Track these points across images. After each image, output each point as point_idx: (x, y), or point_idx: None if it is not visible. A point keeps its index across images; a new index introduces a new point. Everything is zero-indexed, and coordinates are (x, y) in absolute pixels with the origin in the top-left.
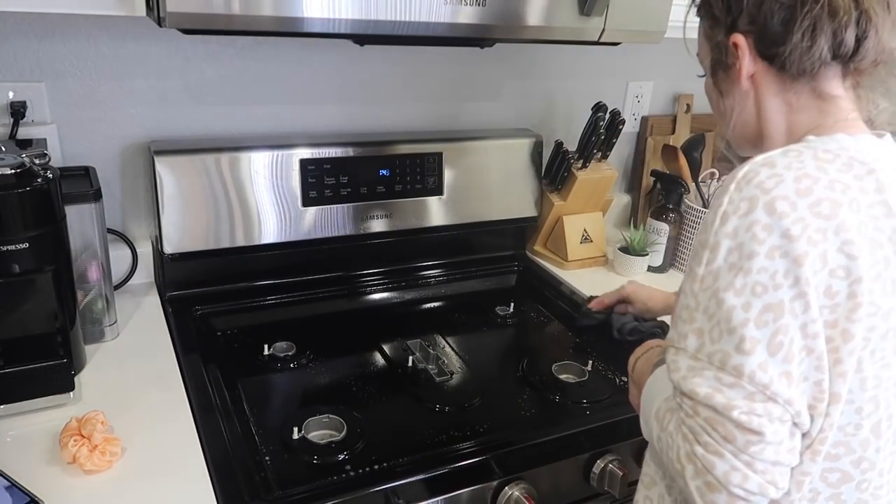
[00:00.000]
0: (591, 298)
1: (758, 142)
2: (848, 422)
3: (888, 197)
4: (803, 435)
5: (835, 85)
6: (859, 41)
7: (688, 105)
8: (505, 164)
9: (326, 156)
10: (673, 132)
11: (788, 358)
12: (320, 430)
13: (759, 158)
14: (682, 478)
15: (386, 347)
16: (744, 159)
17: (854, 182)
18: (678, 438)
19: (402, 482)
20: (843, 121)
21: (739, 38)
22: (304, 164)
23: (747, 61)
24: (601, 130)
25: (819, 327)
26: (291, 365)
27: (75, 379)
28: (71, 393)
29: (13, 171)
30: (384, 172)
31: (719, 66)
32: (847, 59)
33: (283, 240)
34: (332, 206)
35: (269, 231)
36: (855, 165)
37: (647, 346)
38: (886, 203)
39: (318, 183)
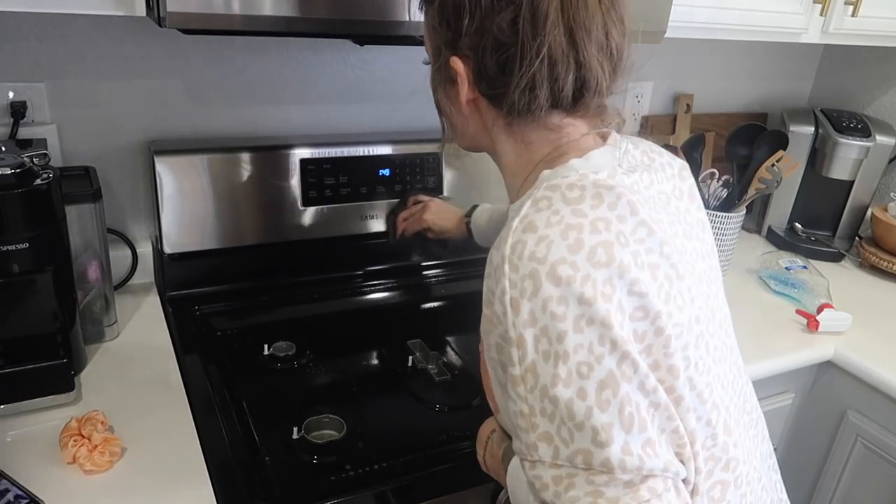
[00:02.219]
0: (397, 211)
1: (491, 154)
2: (706, 436)
3: (643, 216)
4: (685, 481)
5: (560, 119)
6: (578, 94)
7: (688, 105)
8: None
9: (326, 156)
10: (673, 132)
11: (643, 425)
12: (320, 430)
13: (516, 224)
14: None
15: (386, 347)
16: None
17: (609, 211)
18: None
19: (402, 482)
20: (574, 141)
21: (458, 64)
22: (304, 164)
23: (466, 89)
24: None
25: (654, 380)
26: (291, 365)
27: (75, 379)
28: (71, 393)
29: (13, 171)
30: (384, 172)
31: (440, 76)
32: (568, 108)
33: (283, 240)
34: (332, 206)
35: (269, 231)
36: (604, 195)
37: (486, 432)
38: (645, 223)
39: (318, 183)
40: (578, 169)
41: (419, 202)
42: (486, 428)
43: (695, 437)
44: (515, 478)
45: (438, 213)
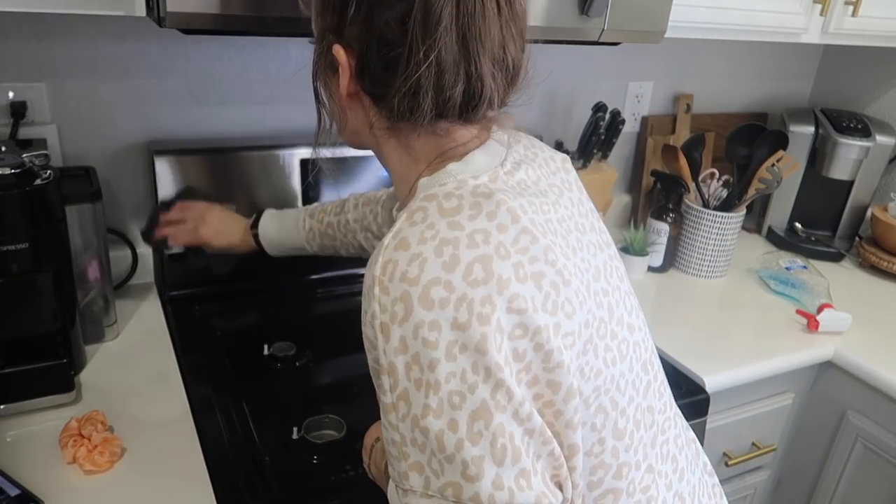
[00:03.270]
0: (162, 209)
1: (377, 154)
2: (592, 443)
3: (525, 223)
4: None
5: (451, 125)
6: (466, 106)
7: (688, 105)
8: None
9: (326, 156)
10: (673, 132)
11: (516, 457)
12: (320, 430)
13: (388, 241)
14: None
15: None
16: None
17: (490, 224)
18: None
19: None
20: (458, 147)
21: (341, 54)
22: (304, 164)
23: (347, 81)
24: (601, 130)
25: (529, 406)
26: (291, 365)
27: (75, 379)
28: (71, 393)
29: (13, 171)
30: (384, 172)
31: (322, 63)
32: (454, 118)
33: None
34: None
35: None
36: (482, 203)
37: (371, 440)
38: (527, 230)
39: (318, 183)
40: (457, 175)
41: (189, 208)
42: (371, 435)
43: (575, 451)
44: (394, 496)
45: (219, 227)
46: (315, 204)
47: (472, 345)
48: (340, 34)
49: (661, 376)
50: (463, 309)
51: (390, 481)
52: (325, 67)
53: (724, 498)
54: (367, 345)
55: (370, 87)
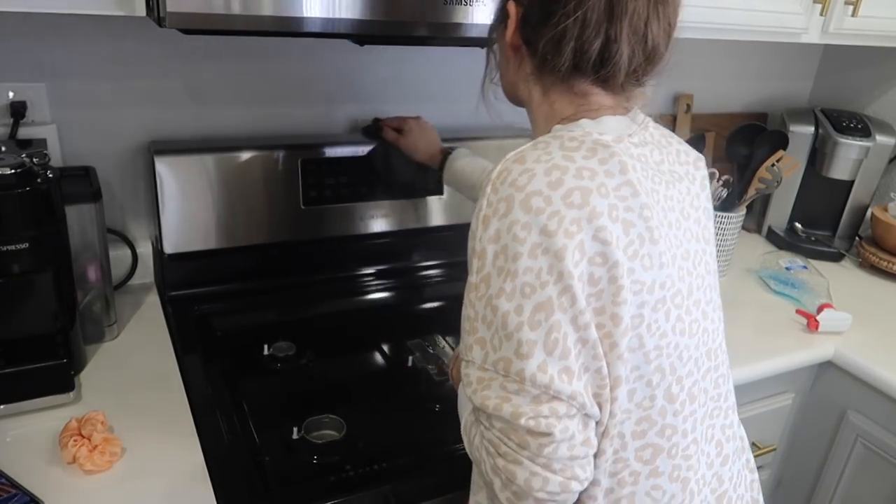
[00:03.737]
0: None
1: (523, 105)
2: (643, 396)
3: (631, 177)
4: (597, 423)
5: (588, 86)
6: (600, 63)
7: (688, 105)
8: None
9: (326, 156)
10: (673, 132)
11: (565, 354)
12: (320, 430)
13: (511, 155)
14: (493, 490)
15: (386, 347)
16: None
17: (599, 167)
18: (483, 453)
19: (401, 482)
20: (593, 110)
21: (512, 7)
22: (304, 164)
23: (512, 32)
24: None
25: (589, 317)
26: (291, 365)
27: (75, 379)
28: (71, 393)
29: (13, 171)
30: (381, 173)
31: (497, 18)
32: (591, 74)
33: (283, 240)
34: (332, 206)
35: (269, 231)
36: (598, 150)
37: (458, 353)
38: (631, 183)
39: (318, 183)
40: (586, 128)
41: (405, 122)
42: (457, 354)
43: (619, 383)
44: (462, 390)
45: (415, 146)
46: None
47: (552, 250)
48: None
49: (725, 371)
50: (554, 220)
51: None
52: (498, 23)
53: (761, 495)
54: (469, 237)
55: (528, 36)
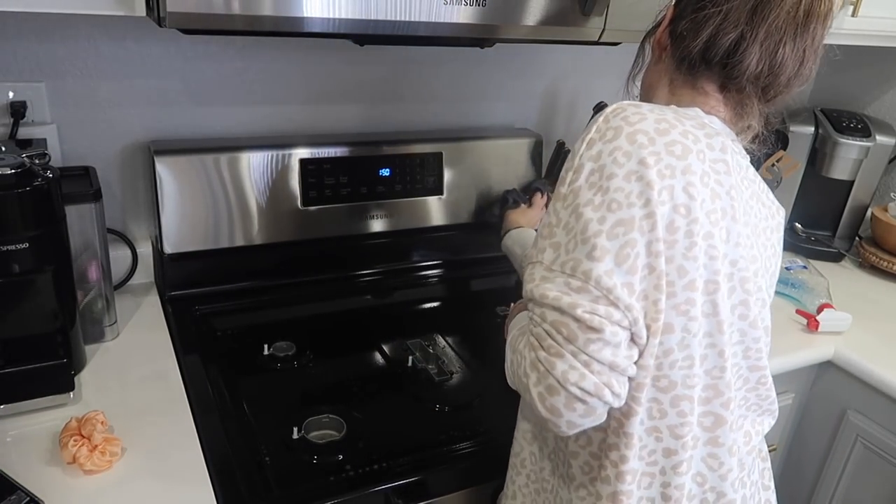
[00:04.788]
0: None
1: (648, 99)
2: (713, 365)
3: (729, 158)
4: (640, 354)
5: (711, 87)
6: (726, 59)
7: None
8: (505, 164)
9: (326, 156)
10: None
11: (632, 270)
12: (320, 430)
13: (626, 102)
14: (527, 391)
15: (386, 347)
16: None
17: (704, 137)
18: (525, 351)
19: (402, 482)
20: (710, 107)
21: (669, 10)
22: (304, 164)
23: (662, 30)
24: None
25: (661, 247)
26: (291, 365)
27: (75, 379)
28: (71, 393)
29: (13, 171)
30: (384, 172)
31: (655, 25)
32: (716, 67)
33: (283, 240)
34: (332, 206)
35: (269, 231)
36: (706, 127)
37: (516, 310)
38: (727, 162)
39: (318, 183)
40: (698, 112)
41: (532, 198)
42: (515, 308)
43: (666, 331)
44: (517, 318)
45: (515, 219)
46: None
47: (646, 179)
48: (677, 4)
49: (770, 376)
50: (653, 158)
51: (517, 316)
52: (654, 28)
53: (772, 483)
54: (566, 168)
55: (674, 28)
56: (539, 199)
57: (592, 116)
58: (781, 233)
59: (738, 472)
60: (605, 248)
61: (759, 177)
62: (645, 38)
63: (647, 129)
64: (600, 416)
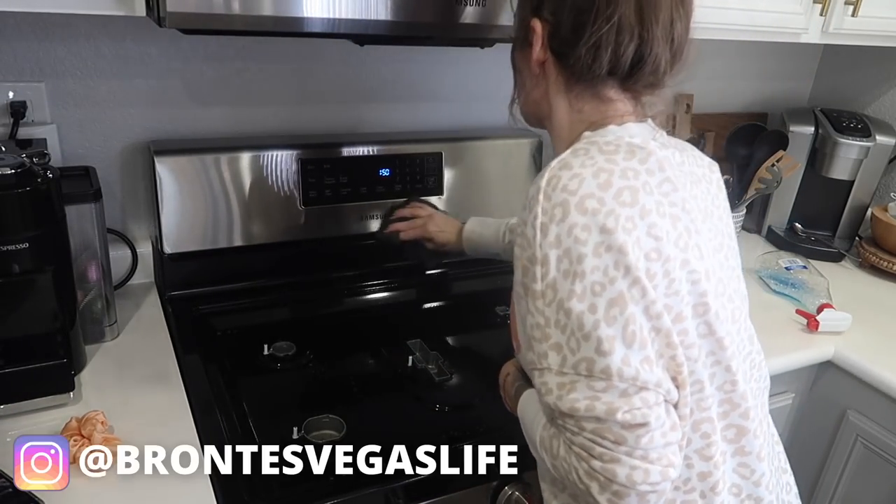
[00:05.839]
0: (395, 210)
1: (543, 123)
2: (723, 381)
3: (669, 174)
4: (676, 406)
5: (614, 92)
6: (635, 65)
7: (688, 105)
8: (505, 164)
9: (326, 156)
10: (673, 132)
11: (643, 344)
12: (320, 430)
13: (554, 164)
14: (590, 496)
15: (386, 347)
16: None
17: (640, 166)
18: (573, 460)
19: (402, 482)
20: (618, 116)
21: (537, 25)
22: (304, 164)
23: (538, 49)
24: None
25: (660, 307)
26: (291, 365)
27: (75, 379)
28: (71, 393)
29: (13, 171)
30: (384, 172)
31: (519, 41)
32: (622, 77)
33: (283, 240)
34: (332, 206)
35: (269, 231)
36: (636, 151)
37: (503, 376)
38: (670, 179)
39: (318, 183)
40: (616, 133)
41: (421, 209)
42: (503, 372)
43: (707, 376)
44: (526, 405)
45: (440, 226)
46: (514, 219)
47: (615, 246)
48: (538, 11)
49: (762, 356)
50: (611, 218)
51: (524, 393)
52: (521, 44)
53: (789, 465)
54: (522, 246)
55: (559, 47)
56: (422, 209)
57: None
58: (723, 188)
59: (770, 475)
60: (610, 338)
61: (685, 146)
62: (511, 61)
63: (591, 192)
64: (669, 485)
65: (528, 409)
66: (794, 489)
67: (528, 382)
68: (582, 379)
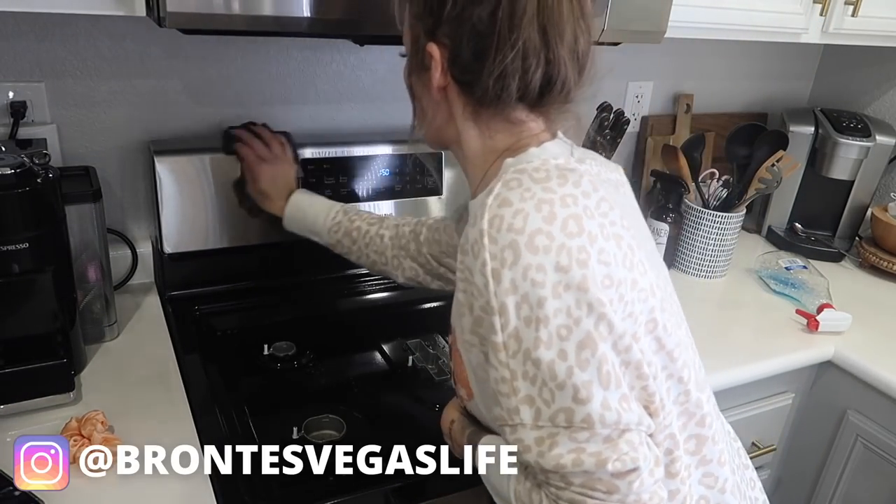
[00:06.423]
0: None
1: (450, 147)
2: (678, 393)
3: (602, 192)
4: (651, 435)
5: (524, 114)
6: (544, 89)
7: (688, 105)
8: None
9: (326, 156)
10: (673, 132)
11: (619, 382)
12: (320, 430)
13: (491, 202)
14: None
15: (386, 347)
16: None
17: (576, 190)
18: None
19: (402, 482)
20: (532, 136)
21: (434, 50)
22: (304, 164)
23: (438, 76)
24: (606, 131)
25: (629, 340)
26: (291, 365)
27: (75, 379)
28: (71, 393)
29: (13, 171)
30: (384, 172)
31: (415, 64)
32: (533, 102)
33: (283, 240)
34: None
35: (269, 231)
36: (568, 175)
37: (447, 424)
38: (605, 199)
39: (318, 183)
40: (539, 156)
41: (278, 145)
42: (446, 419)
43: (665, 393)
44: (486, 454)
45: (276, 178)
46: (352, 205)
47: (574, 284)
48: (433, 34)
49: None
50: (564, 254)
51: (481, 444)
52: (417, 68)
53: (755, 473)
54: (468, 298)
55: (460, 76)
56: (280, 149)
57: (595, 117)
58: (629, 187)
59: (733, 476)
60: (587, 383)
61: (594, 155)
62: (408, 87)
63: (538, 227)
64: None
65: (490, 460)
66: (758, 483)
67: (479, 427)
68: (562, 431)
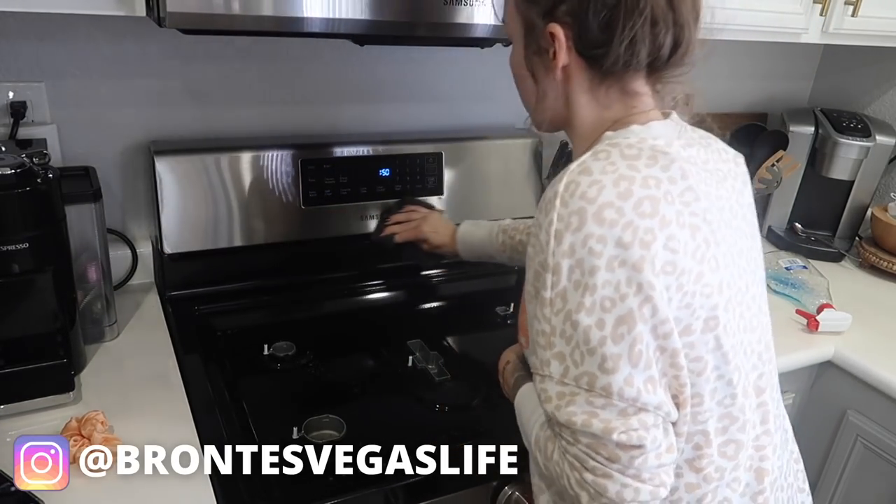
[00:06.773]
0: (393, 211)
1: (563, 126)
2: (724, 395)
3: (692, 182)
4: (674, 424)
5: (640, 84)
6: (672, 53)
7: (687, 105)
8: (505, 164)
9: (326, 156)
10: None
11: (648, 363)
12: (320, 430)
13: (574, 167)
14: (579, 503)
15: (386, 347)
16: None
17: (663, 174)
18: (565, 467)
19: (402, 482)
20: (642, 113)
21: (557, 29)
22: (304, 164)
23: (563, 54)
24: None
25: (671, 326)
26: (291, 365)
27: (75, 379)
28: (71, 393)
29: (13, 171)
30: (384, 172)
31: (532, 49)
32: (659, 67)
33: (283, 240)
34: (332, 206)
35: (269, 231)
36: (659, 157)
37: (503, 364)
38: (692, 188)
39: (318, 183)
40: (639, 134)
41: (416, 211)
42: (503, 360)
43: (708, 391)
44: (524, 398)
45: (435, 227)
46: (507, 221)
47: (630, 262)
48: (552, 14)
49: (775, 363)
50: (629, 232)
51: (522, 387)
52: (535, 57)
53: (807, 485)
54: (534, 251)
55: (587, 51)
56: (415, 210)
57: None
58: (748, 183)
59: (773, 493)
60: (615, 356)
61: (710, 140)
62: (530, 73)
63: (610, 201)
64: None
65: (526, 402)
66: None
67: (528, 373)
68: (582, 392)
